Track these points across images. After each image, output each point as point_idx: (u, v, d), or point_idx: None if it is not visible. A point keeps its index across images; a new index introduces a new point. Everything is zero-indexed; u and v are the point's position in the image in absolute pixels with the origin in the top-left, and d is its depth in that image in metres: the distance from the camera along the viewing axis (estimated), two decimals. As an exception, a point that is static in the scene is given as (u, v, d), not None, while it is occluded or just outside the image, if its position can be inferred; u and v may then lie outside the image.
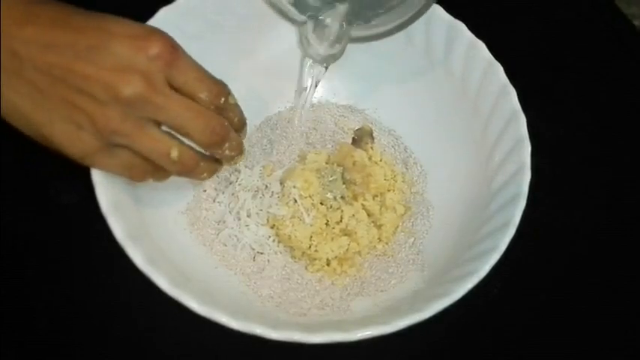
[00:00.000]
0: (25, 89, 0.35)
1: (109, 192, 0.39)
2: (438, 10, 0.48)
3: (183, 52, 0.37)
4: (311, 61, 0.47)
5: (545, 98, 0.55)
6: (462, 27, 0.48)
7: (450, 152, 0.50)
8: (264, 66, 0.52)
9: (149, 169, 0.38)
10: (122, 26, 0.35)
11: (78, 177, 0.41)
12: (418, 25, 0.49)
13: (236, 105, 0.40)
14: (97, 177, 0.40)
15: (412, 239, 0.48)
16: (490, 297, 0.46)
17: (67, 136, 0.36)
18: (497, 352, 0.46)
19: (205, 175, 0.41)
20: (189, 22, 0.48)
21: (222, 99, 0.39)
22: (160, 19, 0.46)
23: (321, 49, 0.46)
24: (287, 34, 0.51)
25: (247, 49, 0.51)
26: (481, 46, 0.47)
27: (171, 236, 0.44)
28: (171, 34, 0.42)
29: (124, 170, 0.38)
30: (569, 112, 0.56)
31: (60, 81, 0.34)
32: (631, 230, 0.52)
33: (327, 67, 0.47)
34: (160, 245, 0.41)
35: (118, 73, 0.34)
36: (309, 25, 0.46)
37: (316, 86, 0.48)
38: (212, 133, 0.38)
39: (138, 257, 0.38)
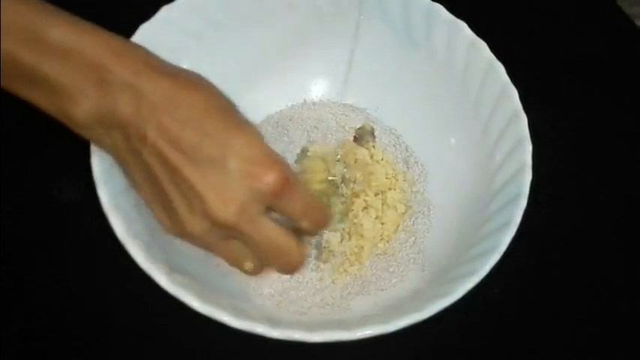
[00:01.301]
0: (138, 166, 0.37)
1: (110, 190, 0.39)
2: (439, 9, 0.48)
3: (295, 183, 0.37)
4: None
5: (547, 98, 0.55)
6: (463, 26, 0.48)
7: (451, 151, 0.50)
8: (265, 64, 0.52)
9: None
10: (247, 145, 0.35)
11: (79, 175, 0.41)
12: (419, 24, 0.49)
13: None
14: (99, 175, 0.40)
15: (413, 238, 0.48)
16: (490, 297, 0.46)
17: (160, 215, 0.38)
18: (498, 352, 0.46)
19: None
20: (191, 21, 0.48)
21: (321, 228, 0.40)
22: (162, 18, 0.46)
23: None
24: (288, 33, 0.51)
25: (249, 47, 0.51)
26: (482, 45, 0.47)
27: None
28: (172, 32, 0.42)
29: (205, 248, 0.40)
30: (570, 112, 0.56)
31: (170, 175, 0.36)
32: (632, 230, 0.52)
33: None
34: (161, 243, 0.41)
35: (219, 196, 0.35)
36: None
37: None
38: (289, 267, 0.39)
39: (139, 255, 0.38)
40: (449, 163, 0.50)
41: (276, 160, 0.36)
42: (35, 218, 0.47)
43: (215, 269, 0.45)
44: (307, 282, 0.45)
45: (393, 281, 0.46)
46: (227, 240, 0.38)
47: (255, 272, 0.40)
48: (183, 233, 0.38)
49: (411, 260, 0.47)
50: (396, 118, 0.52)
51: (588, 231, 0.51)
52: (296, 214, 0.38)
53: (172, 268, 0.39)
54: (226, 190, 0.35)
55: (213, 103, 0.36)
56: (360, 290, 0.45)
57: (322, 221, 0.40)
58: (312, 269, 0.46)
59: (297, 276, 0.45)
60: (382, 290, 0.45)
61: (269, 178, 0.35)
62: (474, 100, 0.48)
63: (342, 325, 0.38)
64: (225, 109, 0.36)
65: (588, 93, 0.57)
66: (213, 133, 0.35)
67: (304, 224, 0.39)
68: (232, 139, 0.35)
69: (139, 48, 0.36)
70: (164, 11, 0.46)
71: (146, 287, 0.38)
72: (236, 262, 0.39)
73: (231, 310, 0.37)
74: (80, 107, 0.35)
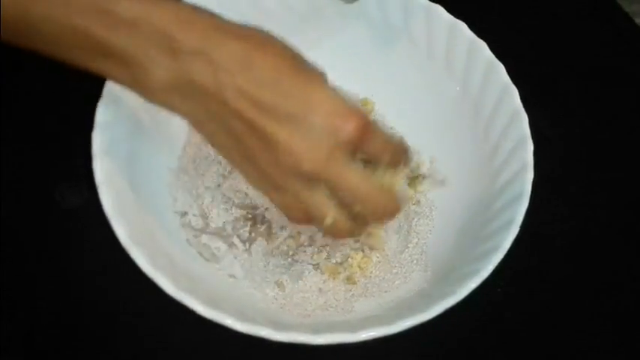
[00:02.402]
0: (221, 129, 0.38)
1: (112, 196, 0.39)
2: (439, 9, 0.48)
3: (374, 126, 0.38)
4: None
5: (547, 97, 0.55)
6: (463, 27, 0.48)
7: (452, 151, 0.50)
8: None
9: (306, 217, 0.41)
10: (325, 99, 0.37)
11: (82, 181, 0.41)
12: (419, 25, 0.49)
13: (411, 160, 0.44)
14: (101, 179, 0.40)
15: (415, 239, 0.48)
16: (493, 296, 0.46)
17: (249, 171, 0.40)
18: (501, 352, 0.46)
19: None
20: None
21: (402, 159, 0.41)
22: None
23: None
24: (289, 31, 0.51)
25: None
26: (482, 45, 0.47)
27: (175, 239, 0.44)
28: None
29: (283, 209, 0.41)
30: (571, 111, 0.56)
31: (254, 134, 0.37)
32: (634, 230, 0.52)
33: None
34: (164, 248, 0.41)
35: (307, 147, 0.37)
36: None
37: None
38: (383, 209, 0.40)
39: (142, 261, 0.38)
40: (450, 163, 0.50)
41: (352, 109, 0.37)
42: (38, 224, 0.47)
43: (218, 273, 0.45)
44: (311, 285, 0.45)
45: (397, 282, 0.46)
46: (312, 191, 0.39)
47: (333, 229, 0.40)
48: (272, 186, 0.39)
49: (414, 261, 0.47)
50: (396, 118, 0.52)
51: (590, 230, 0.51)
52: (377, 151, 0.39)
53: (175, 273, 0.39)
54: (312, 141, 0.37)
55: (285, 61, 0.37)
56: (363, 292, 0.45)
57: (401, 151, 0.41)
58: (315, 272, 0.46)
59: (299, 279, 0.46)
60: (386, 292, 0.45)
61: (350, 127, 0.37)
62: (474, 100, 0.48)
63: (345, 327, 0.39)
64: (295, 64, 0.37)
65: (589, 92, 0.57)
66: (290, 91, 0.36)
67: (386, 158, 0.40)
68: (310, 95, 0.37)
69: (206, 13, 0.37)
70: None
71: (149, 292, 0.38)
72: (319, 214, 0.39)
73: (234, 314, 0.37)
74: (153, 76, 0.36)
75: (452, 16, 0.48)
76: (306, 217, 0.40)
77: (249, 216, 0.47)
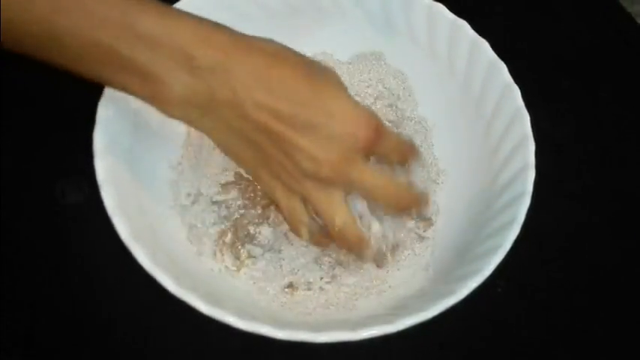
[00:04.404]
0: (243, 141, 0.40)
1: (114, 193, 0.39)
2: (441, 8, 0.48)
3: (383, 128, 0.41)
4: None
5: (549, 97, 0.55)
6: (465, 26, 0.48)
7: (454, 150, 0.50)
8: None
9: (312, 227, 0.44)
10: (341, 107, 0.39)
11: (83, 177, 0.41)
12: (421, 23, 0.49)
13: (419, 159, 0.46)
14: (103, 177, 0.40)
15: (416, 238, 0.48)
16: (494, 296, 0.46)
17: (269, 181, 0.42)
18: (502, 351, 0.46)
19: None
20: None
21: (411, 157, 0.45)
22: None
23: None
24: (294, 32, 0.51)
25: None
26: (484, 44, 0.47)
27: (177, 237, 0.44)
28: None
29: (288, 215, 0.44)
30: (572, 110, 0.56)
31: (275, 143, 0.39)
32: (634, 230, 0.52)
33: None
34: (164, 245, 0.41)
35: (326, 151, 0.39)
36: None
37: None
38: (402, 201, 0.43)
39: (143, 258, 0.38)
40: (451, 162, 0.50)
41: (366, 114, 0.40)
42: (38, 221, 0.47)
43: (219, 271, 0.45)
44: (312, 283, 0.45)
45: (398, 281, 0.46)
46: (327, 192, 0.41)
47: (343, 233, 0.42)
48: (285, 191, 0.42)
49: (415, 260, 0.47)
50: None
51: (592, 229, 0.51)
52: (388, 151, 0.42)
53: (176, 270, 0.39)
54: (331, 147, 0.39)
55: (300, 71, 0.39)
56: (364, 290, 0.45)
57: (409, 150, 0.44)
58: (317, 269, 0.46)
59: (301, 277, 0.45)
60: (386, 290, 0.45)
61: (366, 132, 0.39)
62: (476, 99, 0.48)
63: (346, 325, 0.38)
64: (310, 73, 0.39)
65: (590, 91, 0.57)
66: (307, 100, 0.39)
67: (395, 157, 0.43)
68: (326, 103, 0.39)
69: (224, 29, 0.39)
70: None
71: (150, 289, 0.38)
72: (331, 213, 0.41)
73: (235, 312, 0.37)
74: (173, 92, 0.37)
75: (454, 15, 0.48)
76: (306, 227, 0.43)
77: (252, 212, 0.47)
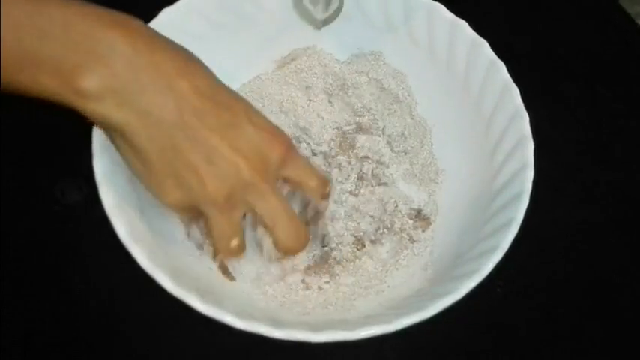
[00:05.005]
0: (154, 139, 0.37)
1: (112, 193, 0.39)
2: (440, 8, 0.48)
3: (296, 150, 0.40)
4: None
5: (548, 97, 0.55)
6: (464, 26, 0.48)
7: (453, 150, 0.50)
8: (267, 65, 0.52)
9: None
10: (258, 116, 0.39)
11: (82, 177, 0.41)
12: (420, 23, 0.49)
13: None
14: (101, 177, 0.40)
15: (415, 237, 0.48)
16: (493, 295, 0.46)
17: (167, 186, 0.38)
18: (501, 350, 0.46)
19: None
20: (192, 23, 0.48)
21: (327, 189, 0.43)
22: (163, 20, 0.46)
23: (318, 12, 0.46)
24: (291, 32, 0.51)
25: (251, 48, 0.51)
26: (484, 44, 0.47)
27: (175, 236, 0.44)
28: (173, 35, 0.42)
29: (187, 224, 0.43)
30: (572, 111, 0.56)
31: (193, 142, 0.37)
32: (634, 229, 0.52)
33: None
34: (163, 245, 0.41)
35: (245, 156, 0.38)
36: None
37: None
38: (295, 239, 0.41)
39: (142, 257, 0.38)
40: (450, 161, 0.50)
41: (281, 130, 0.39)
42: (37, 220, 0.47)
43: (216, 270, 0.45)
44: (310, 282, 0.45)
45: (396, 281, 0.46)
46: (234, 212, 0.39)
47: (234, 250, 0.41)
48: (200, 198, 0.38)
49: (414, 260, 0.47)
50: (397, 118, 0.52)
51: (590, 229, 0.51)
52: (300, 177, 0.41)
53: (175, 270, 0.39)
54: (249, 152, 0.38)
55: (214, 78, 0.38)
56: (363, 290, 0.45)
57: (324, 180, 0.42)
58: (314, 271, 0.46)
59: (300, 276, 0.46)
60: (385, 290, 0.45)
61: (281, 143, 0.39)
62: (475, 99, 0.48)
63: (345, 324, 0.38)
64: (224, 87, 0.39)
65: (590, 92, 0.57)
66: (228, 103, 0.38)
67: (312, 183, 0.41)
68: (246, 110, 0.38)
69: (134, 20, 0.37)
70: (165, 13, 0.47)
71: (149, 289, 0.38)
72: (231, 234, 0.40)
73: (234, 311, 0.37)
74: (88, 80, 0.35)
75: (453, 15, 0.48)
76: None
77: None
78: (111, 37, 0.35)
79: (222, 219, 0.39)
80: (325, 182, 0.42)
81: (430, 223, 0.48)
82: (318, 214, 0.45)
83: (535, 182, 0.43)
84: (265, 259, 0.43)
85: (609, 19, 0.61)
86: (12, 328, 0.44)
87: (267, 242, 0.42)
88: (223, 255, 0.42)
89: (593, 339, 0.47)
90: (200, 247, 0.45)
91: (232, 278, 0.44)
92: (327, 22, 0.47)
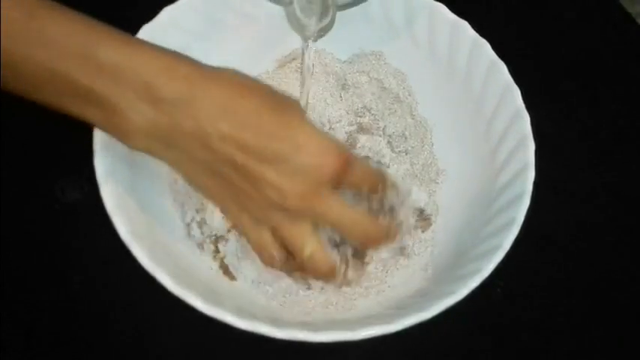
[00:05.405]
0: (207, 173, 0.39)
1: (113, 191, 0.39)
2: (441, 9, 0.48)
3: (352, 158, 0.40)
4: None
5: (549, 98, 0.55)
6: (465, 26, 0.48)
7: (454, 150, 0.50)
8: (268, 64, 0.52)
9: (282, 257, 0.42)
10: (309, 138, 0.38)
11: (83, 175, 0.41)
12: (422, 23, 0.49)
13: (393, 187, 0.44)
14: (102, 176, 0.40)
15: (416, 238, 0.48)
16: (494, 296, 0.46)
17: (236, 212, 0.41)
18: (501, 351, 0.46)
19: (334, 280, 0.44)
20: (193, 22, 0.48)
21: (380, 186, 0.43)
22: (163, 19, 0.46)
23: (312, 24, 0.46)
24: (292, 31, 0.51)
25: (252, 47, 0.51)
26: (485, 44, 0.47)
27: (176, 235, 0.44)
28: (174, 33, 0.42)
29: (257, 248, 0.42)
30: (573, 111, 0.56)
31: (241, 175, 0.38)
32: (634, 230, 0.52)
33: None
34: (164, 244, 0.41)
35: (292, 186, 0.38)
36: (296, 3, 0.46)
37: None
38: (368, 235, 0.42)
39: (142, 256, 0.38)
40: (451, 161, 0.50)
41: (334, 146, 0.38)
42: (38, 218, 0.47)
43: (218, 270, 0.45)
44: (311, 282, 0.45)
45: (397, 281, 0.46)
46: (294, 223, 0.40)
47: (312, 262, 0.41)
48: (252, 223, 0.40)
49: (415, 260, 0.47)
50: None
51: (591, 230, 0.51)
52: (357, 182, 0.41)
53: (176, 269, 0.39)
54: (298, 179, 0.38)
55: (266, 103, 0.38)
56: (363, 290, 0.45)
57: (379, 182, 0.43)
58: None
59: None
60: (386, 290, 0.45)
61: (334, 164, 0.38)
62: (476, 99, 0.48)
63: (346, 325, 0.38)
64: (275, 106, 0.38)
65: (590, 92, 0.57)
66: (273, 132, 0.37)
67: (365, 187, 0.42)
68: (292, 135, 0.37)
69: (187, 59, 0.37)
70: (166, 12, 0.47)
71: (150, 288, 0.37)
72: (299, 244, 0.40)
73: (235, 311, 0.37)
74: (134, 124, 0.36)
75: (455, 15, 0.48)
76: (277, 258, 0.42)
77: None
78: (161, 80, 0.36)
79: (283, 230, 0.40)
80: (376, 184, 0.43)
81: (431, 224, 0.48)
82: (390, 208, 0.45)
83: (535, 182, 0.43)
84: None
85: (610, 19, 0.61)
86: (12, 328, 0.43)
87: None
88: (312, 270, 0.42)
89: (593, 339, 0.47)
90: (200, 246, 0.45)
91: (233, 278, 0.44)
92: (319, 35, 0.47)
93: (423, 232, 0.48)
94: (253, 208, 0.39)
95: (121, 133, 0.37)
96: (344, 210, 0.40)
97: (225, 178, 0.38)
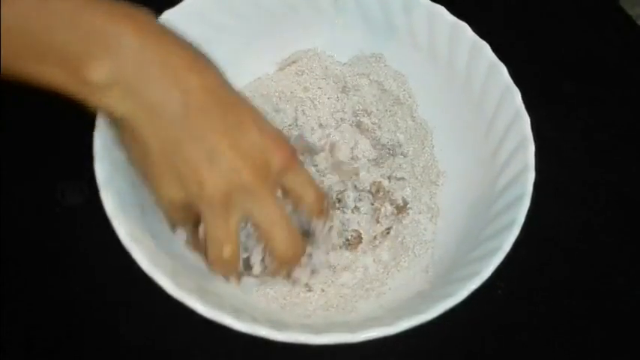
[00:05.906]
0: (159, 135, 0.36)
1: (113, 195, 0.39)
2: (441, 10, 0.48)
3: (299, 160, 0.40)
4: None
5: (549, 99, 0.55)
6: (465, 27, 0.48)
7: (454, 152, 0.50)
8: (269, 68, 0.52)
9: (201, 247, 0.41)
10: (263, 121, 0.38)
11: (83, 179, 0.41)
12: (421, 25, 0.49)
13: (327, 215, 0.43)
14: (102, 179, 0.40)
15: (416, 240, 0.48)
16: (494, 297, 0.46)
17: (165, 180, 0.38)
18: (501, 352, 0.46)
19: (232, 279, 0.42)
20: (194, 25, 0.47)
21: (325, 203, 0.42)
22: (164, 21, 0.46)
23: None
24: (293, 33, 0.51)
25: (253, 50, 0.51)
26: (485, 46, 0.47)
27: (176, 239, 0.44)
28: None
29: (182, 227, 0.41)
30: (572, 112, 0.56)
31: (195, 139, 0.36)
32: (634, 230, 0.51)
33: None
34: (164, 247, 0.41)
35: (247, 158, 0.37)
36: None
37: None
38: (291, 248, 0.40)
39: (142, 259, 0.38)
40: (452, 163, 0.50)
41: (285, 136, 0.39)
42: (38, 222, 0.47)
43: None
44: (311, 284, 0.45)
45: (397, 283, 0.46)
46: (230, 218, 0.38)
47: (226, 260, 0.39)
48: (196, 196, 0.38)
49: (415, 262, 0.47)
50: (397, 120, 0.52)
51: (590, 231, 0.51)
52: (300, 186, 0.40)
53: (176, 272, 0.39)
54: (252, 155, 0.37)
55: (222, 80, 0.38)
56: (364, 292, 0.45)
57: (321, 195, 0.42)
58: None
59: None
60: (386, 292, 0.45)
61: (284, 149, 0.38)
62: (476, 101, 0.48)
63: (346, 327, 0.38)
64: (229, 86, 0.38)
65: (590, 93, 0.57)
66: (234, 103, 0.37)
67: (309, 197, 0.41)
68: (251, 112, 0.38)
69: (144, 13, 0.36)
70: (166, 16, 0.47)
71: (150, 291, 0.38)
72: (225, 239, 0.39)
73: (234, 313, 0.37)
74: (94, 71, 0.35)
75: (454, 17, 0.48)
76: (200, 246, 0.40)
77: None
78: (120, 29, 0.35)
79: (217, 221, 0.38)
80: (322, 198, 0.42)
81: (405, 210, 0.48)
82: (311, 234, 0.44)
83: (536, 184, 0.43)
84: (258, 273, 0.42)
85: (610, 21, 0.61)
86: (12, 330, 0.44)
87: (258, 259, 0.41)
88: (214, 265, 0.40)
89: (594, 340, 0.47)
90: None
91: (238, 284, 0.44)
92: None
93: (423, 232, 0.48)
94: (199, 184, 0.37)
95: (81, 81, 0.35)
96: (280, 209, 0.39)
97: (177, 143, 0.36)
